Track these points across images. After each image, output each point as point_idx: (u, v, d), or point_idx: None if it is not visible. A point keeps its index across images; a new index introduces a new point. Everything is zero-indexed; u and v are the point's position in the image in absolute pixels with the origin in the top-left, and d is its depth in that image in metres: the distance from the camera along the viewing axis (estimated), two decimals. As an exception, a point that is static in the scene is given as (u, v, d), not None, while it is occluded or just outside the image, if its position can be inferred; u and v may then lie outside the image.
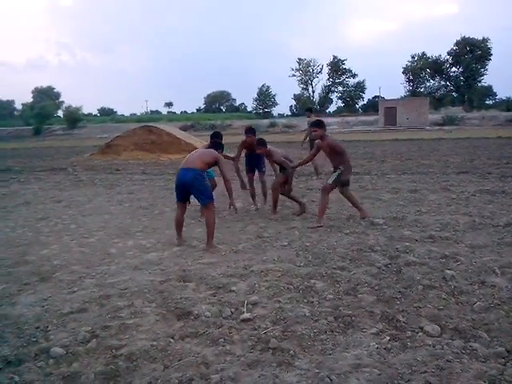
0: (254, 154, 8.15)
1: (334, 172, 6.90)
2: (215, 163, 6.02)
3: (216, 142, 6.70)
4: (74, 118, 71.08)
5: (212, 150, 6.25)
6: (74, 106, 74.55)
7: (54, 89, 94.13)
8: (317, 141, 7.12)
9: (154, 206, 9.07)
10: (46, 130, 70.62)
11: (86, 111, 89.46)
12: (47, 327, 3.60)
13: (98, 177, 14.74)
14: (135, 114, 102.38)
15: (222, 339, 3.28)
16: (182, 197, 6.05)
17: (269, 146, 7.66)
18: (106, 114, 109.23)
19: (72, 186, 12.68)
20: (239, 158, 8.28)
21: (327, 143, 6.92)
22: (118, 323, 3.58)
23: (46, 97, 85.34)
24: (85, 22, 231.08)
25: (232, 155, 8.24)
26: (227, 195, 6.24)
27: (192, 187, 5.84)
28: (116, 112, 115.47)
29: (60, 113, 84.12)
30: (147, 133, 23.06)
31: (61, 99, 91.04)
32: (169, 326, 3.56)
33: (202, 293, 4.20)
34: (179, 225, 6.16)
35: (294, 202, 7.95)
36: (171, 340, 3.31)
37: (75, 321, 3.69)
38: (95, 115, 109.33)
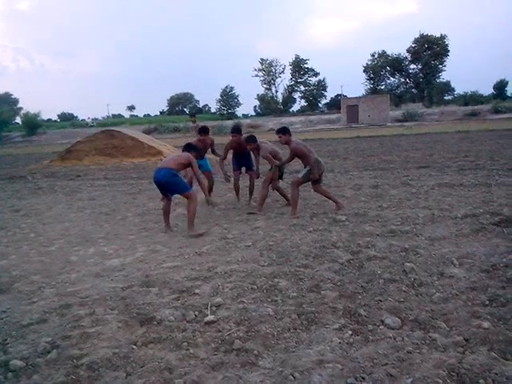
0: (242, 153, 8.51)
1: (305, 168, 7.26)
2: (188, 164, 6.72)
3: (189, 145, 7.21)
4: (33, 124, 69.27)
5: (186, 153, 6.85)
6: (32, 112, 72.65)
7: (11, 95, 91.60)
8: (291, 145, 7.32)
9: (116, 211, 8.92)
10: (5, 137, 68.69)
11: (45, 117, 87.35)
12: (6, 340, 3.50)
13: (59, 184, 14.40)
14: (97, 119, 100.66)
15: (186, 343, 3.26)
16: (163, 192, 6.86)
17: (259, 141, 8.02)
18: (67, 119, 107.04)
19: (31, 194, 12.34)
20: (224, 158, 8.60)
21: (292, 148, 7.27)
22: (79, 332, 3.50)
23: (4, 103, 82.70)
24: (42, 26, 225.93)
25: (220, 153, 8.70)
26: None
27: (165, 184, 6.61)
28: (77, 117, 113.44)
29: (18, 119, 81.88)
30: (109, 137, 22.66)
31: (19, 105, 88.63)
32: (131, 333, 3.50)
33: (166, 297, 4.16)
34: (166, 213, 6.97)
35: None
36: (134, 347, 3.25)
37: (35, 332, 3.60)
38: (55, 121, 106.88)
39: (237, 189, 8.88)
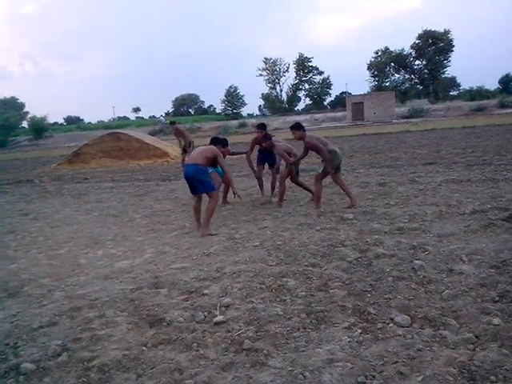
0: (266, 150, 8.86)
1: (322, 163, 7.48)
2: (215, 158, 6.67)
3: (216, 138, 7.25)
4: (40, 128, 69.56)
5: (212, 146, 6.85)
6: (38, 115, 72.93)
7: (17, 99, 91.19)
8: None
9: (123, 213, 8.96)
10: (12, 142, 69.07)
11: (51, 120, 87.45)
12: (17, 343, 3.51)
13: (66, 187, 14.49)
14: (103, 121, 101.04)
15: (196, 344, 3.26)
16: (192, 189, 6.80)
17: (273, 140, 8.43)
18: (73, 122, 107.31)
19: (39, 198, 12.43)
20: (251, 153, 8.99)
21: (305, 142, 7.44)
22: (90, 335, 3.51)
23: (10, 108, 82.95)
24: (46, 29, 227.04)
25: (245, 150, 9.13)
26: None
27: (194, 179, 6.57)
28: (83, 120, 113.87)
29: (25, 124, 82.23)
30: (115, 139, 22.84)
31: (25, 110, 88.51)
32: (141, 334, 3.51)
33: (175, 298, 4.16)
34: (196, 211, 6.89)
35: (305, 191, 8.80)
36: (144, 348, 3.27)
37: (45, 335, 3.61)
38: (61, 124, 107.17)
39: (260, 182, 9.30)
